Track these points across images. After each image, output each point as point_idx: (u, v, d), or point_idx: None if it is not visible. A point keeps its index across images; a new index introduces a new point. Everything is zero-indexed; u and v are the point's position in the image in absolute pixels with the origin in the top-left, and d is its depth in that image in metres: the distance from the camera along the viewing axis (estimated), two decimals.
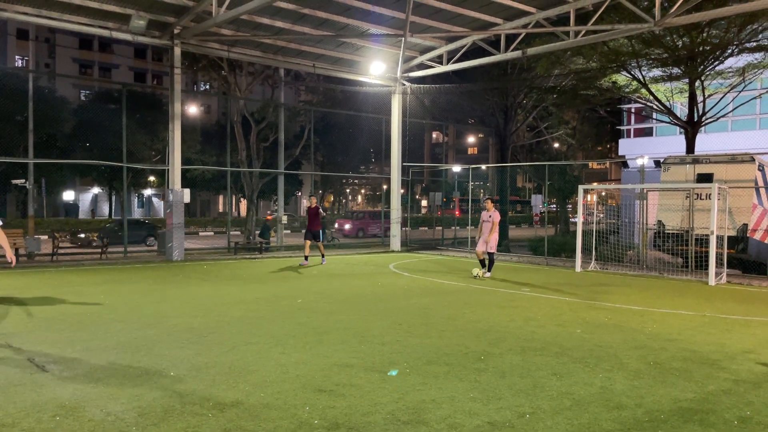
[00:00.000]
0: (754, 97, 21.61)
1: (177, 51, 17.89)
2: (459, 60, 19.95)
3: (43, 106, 34.39)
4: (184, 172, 19.33)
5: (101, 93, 49.58)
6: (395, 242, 22.87)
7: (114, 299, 10.45)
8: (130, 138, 27.64)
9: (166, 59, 34.91)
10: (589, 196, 20.41)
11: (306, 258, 17.11)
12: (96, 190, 58.34)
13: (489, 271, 14.71)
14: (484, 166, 40.76)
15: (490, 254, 14.69)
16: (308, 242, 17.09)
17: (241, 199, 53.02)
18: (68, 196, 56.42)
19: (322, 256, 17.70)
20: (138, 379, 5.72)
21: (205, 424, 4.59)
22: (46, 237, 21.93)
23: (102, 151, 36.98)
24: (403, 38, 17.43)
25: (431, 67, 21.04)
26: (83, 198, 59.76)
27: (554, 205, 39.67)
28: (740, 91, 19.53)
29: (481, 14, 17.71)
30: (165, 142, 28.11)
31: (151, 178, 54.07)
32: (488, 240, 14.46)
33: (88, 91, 59.73)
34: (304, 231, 17.77)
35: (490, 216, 14.59)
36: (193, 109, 48.27)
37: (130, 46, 64.91)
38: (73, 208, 55.55)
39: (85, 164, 35.97)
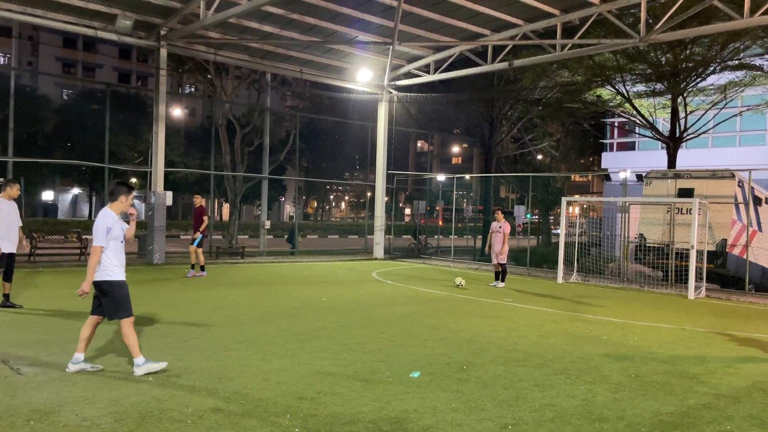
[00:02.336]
0: (735, 115, 21.97)
1: (163, 52, 17.74)
2: (446, 70, 20.03)
3: (25, 105, 33.96)
4: (166, 175, 19.16)
5: (84, 92, 49.07)
6: (378, 250, 22.83)
7: (91, 302, 10.25)
8: (113, 139, 27.39)
9: (151, 60, 34.67)
10: (571, 208, 20.54)
11: (193, 266, 14.84)
12: (76, 190, 57.61)
13: (502, 281, 14.66)
14: (468, 176, 40.96)
15: (502, 265, 14.64)
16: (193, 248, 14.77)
17: (224, 204, 52.67)
18: (48, 196, 55.64)
19: (202, 268, 14.78)
20: (115, 383, 5.61)
21: (183, 431, 4.51)
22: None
23: (84, 152, 36.56)
24: (391, 46, 17.46)
25: (418, 76, 21.11)
26: (63, 198, 58.97)
27: (537, 217, 39.94)
28: (721, 108, 19.84)
29: (468, 25, 17.81)
30: (148, 143, 27.87)
31: (133, 180, 53.55)
32: (497, 251, 14.45)
33: (71, 91, 59.10)
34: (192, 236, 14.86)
35: (500, 227, 14.55)
36: (177, 112, 47.91)
37: (115, 46, 64.37)
38: (52, 208, 54.77)
39: (66, 164, 35.54)
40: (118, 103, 38.95)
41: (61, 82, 61.01)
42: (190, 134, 51.32)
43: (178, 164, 40.03)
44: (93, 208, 53.80)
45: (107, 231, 5.80)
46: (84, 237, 18.43)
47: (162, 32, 17.38)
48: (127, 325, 5.89)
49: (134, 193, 6.18)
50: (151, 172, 17.99)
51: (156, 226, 17.54)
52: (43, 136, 41.46)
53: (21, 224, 9.51)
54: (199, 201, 15.26)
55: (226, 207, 51.77)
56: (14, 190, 9.31)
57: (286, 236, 24.61)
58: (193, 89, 52.11)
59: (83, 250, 17.78)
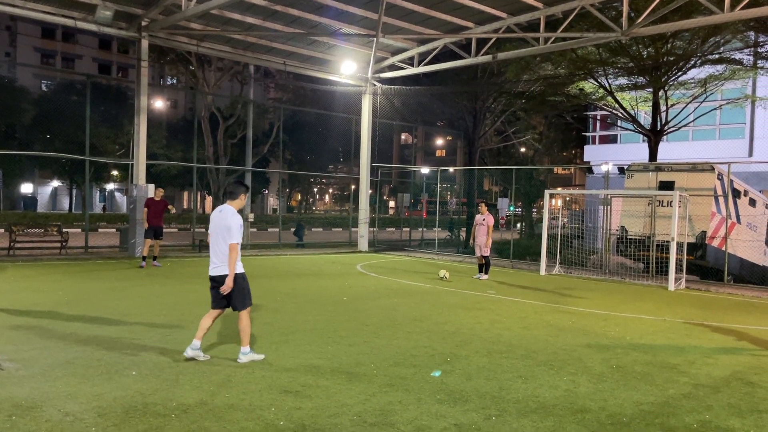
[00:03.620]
0: (715, 108, 22.23)
1: (144, 44, 17.53)
2: (430, 62, 20.02)
3: (3, 96, 33.42)
4: (148, 167, 18.97)
5: (64, 84, 48.41)
6: (363, 243, 22.83)
7: (73, 296, 10.18)
8: (94, 131, 27.05)
9: (132, 51, 34.26)
10: (554, 201, 20.69)
11: (155, 258, 15.35)
12: (56, 183, 56.88)
13: (486, 273, 14.78)
14: (452, 169, 41.06)
15: (485, 257, 14.76)
16: (149, 241, 15.14)
17: (207, 196, 52.31)
18: (27, 188, 54.88)
19: (154, 258, 15.39)
20: (98, 378, 5.57)
21: (167, 425, 4.49)
22: (2, 230, 21.26)
23: (63, 144, 36.07)
24: (375, 39, 17.41)
25: (402, 68, 21.07)
26: (42, 191, 58.20)
27: (520, 209, 40.17)
28: (701, 102, 20.06)
29: (453, 17, 17.80)
30: (130, 136, 27.58)
31: (115, 173, 52.98)
32: (481, 243, 14.54)
33: (50, 82, 58.25)
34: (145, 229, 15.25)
35: (484, 219, 14.65)
36: (159, 104, 47.47)
37: (95, 37, 63.53)
38: (31, 201, 54.05)
39: (46, 156, 35.05)
40: (99, 95, 38.46)
41: (39, 73, 60.12)
42: (172, 126, 50.87)
43: (161, 157, 39.64)
44: (73, 201, 53.14)
45: (240, 227, 6.15)
46: (64, 230, 18.22)
47: (143, 23, 17.16)
48: (246, 314, 6.25)
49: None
50: (132, 164, 17.79)
51: (138, 219, 17.38)
52: (21, 128, 40.88)
53: None
54: (159, 194, 15.75)
55: (209, 200, 51.41)
56: None
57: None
58: (175, 81, 51.57)
59: (64, 244, 17.58)
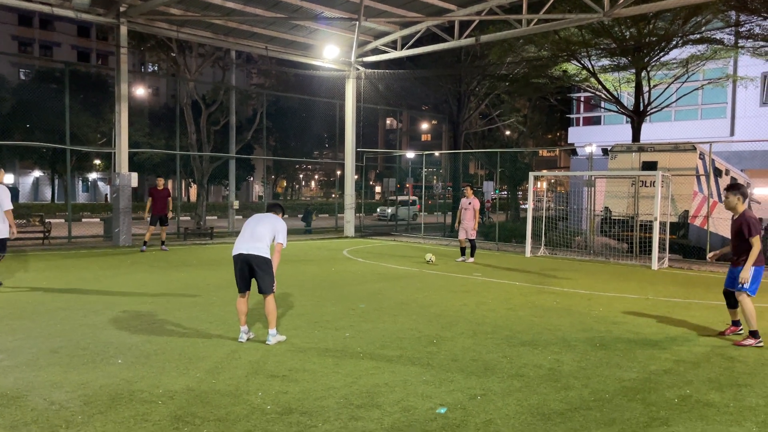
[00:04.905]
0: (696, 89, 22.35)
1: (123, 30, 17.26)
2: (413, 46, 19.93)
3: None
4: (131, 156, 18.79)
5: (42, 72, 47.53)
6: (349, 228, 22.83)
7: (58, 286, 10.11)
8: (74, 119, 26.70)
9: (111, 38, 33.74)
10: (539, 183, 20.79)
11: (163, 243, 16.23)
12: (37, 173, 56.18)
13: (472, 256, 14.83)
14: (437, 153, 41.05)
15: (471, 240, 14.81)
16: (153, 228, 15.86)
17: (192, 184, 51.93)
18: (7, 179, 54.11)
19: (162, 243, 16.32)
20: (83, 367, 5.56)
21: (154, 412, 4.50)
22: None
23: (44, 133, 35.51)
24: (357, 22, 17.29)
25: (386, 52, 20.97)
26: (23, 181, 57.46)
27: (505, 192, 40.35)
28: (683, 82, 20.17)
29: (435, 0, 17.71)
30: (111, 124, 27.22)
31: (97, 162, 52.39)
32: (468, 227, 14.59)
33: (28, 70, 57.22)
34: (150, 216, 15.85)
35: (470, 203, 14.70)
36: (140, 91, 46.89)
37: (73, 23, 62.44)
38: (12, 191, 53.34)
39: (26, 146, 34.56)
40: (79, 83, 37.93)
41: (17, 61, 58.97)
42: (154, 114, 50.24)
43: (143, 145, 39.20)
44: (55, 191, 52.54)
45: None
46: (47, 221, 18.04)
47: (121, 9, 16.89)
48: (273, 298, 6.57)
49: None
50: (114, 153, 17.61)
51: (121, 208, 17.25)
52: (0, 118, 40.19)
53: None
54: (161, 183, 16.13)
55: (193, 188, 51.06)
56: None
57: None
58: (156, 68, 50.90)
59: (46, 234, 17.42)
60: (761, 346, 6.78)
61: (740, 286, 6.88)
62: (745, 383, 5.48)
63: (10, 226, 9.52)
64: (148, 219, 16.00)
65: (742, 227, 6.94)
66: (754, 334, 6.87)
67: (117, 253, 15.41)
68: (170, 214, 16.40)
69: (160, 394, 4.88)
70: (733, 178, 17.44)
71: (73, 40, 67.45)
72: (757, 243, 6.80)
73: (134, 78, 48.71)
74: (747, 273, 6.80)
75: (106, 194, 59.59)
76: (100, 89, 43.33)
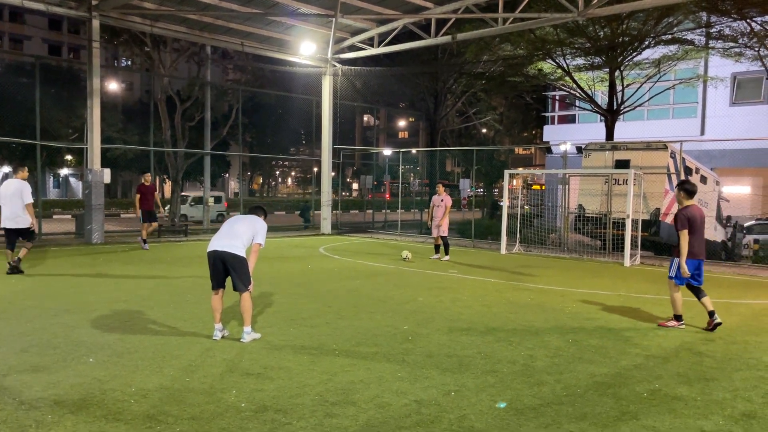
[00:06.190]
0: (668, 88, 22.70)
1: (95, 24, 16.96)
2: (390, 43, 19.93)
3: None
4: (104, 152, 18.51)
5: (12, 66, 46.52)
6: (326, 225, 22.77)
7: (28, 284, 9.94)
8: (45, 114, 26.16)
9: (83, 32, 33.16)
10: (514, 181, 20.97)
11: (145, 242, 15.77)
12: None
13: (446, 254, 14.80)
14: (414, 150, 41.15)
15: (443, 238, 14.75)
16: (147, 225, 15.65)
17: (166, 180, 51.32)
18: None
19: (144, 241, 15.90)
20: (54, 366, 5.48)
21: (126, 410, 4.46)
22: None
23: (13, 128, 34.74)
24: (333, 19, 17.23)
25: (362, 49, 20.93)
26: None
27: (481, 190, 40.60)
28: (656, 82, 20.49)
29: None
30: (83, 119, 26.77)
31: (69, 157, 51.45)
32: (440, 224, 14.58)
33: None
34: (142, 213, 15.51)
35: (441, 200, 14.67)
36: (113, 86, 46.16)
37: (43, 16, 61.22)
38: None
39: None
40: (50, 77, 37.13)
41: None
42: (128, 109, 49.49)
43: (116, 140, 38.52)
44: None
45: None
46: None
47: (94, 2, 16.60)
48: (249, 295, 6.54)
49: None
50: (87, 148, 17.33)
51: (94, 205, 16.99)
52: None
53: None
54: (148, 179, 16.12)
55: (168, 184, 50.46)
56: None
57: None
58: (129, 62, 50.19)
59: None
60: (682, 329, 7.55)
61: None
62: (713, 377, 5.60)
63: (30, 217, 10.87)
64: (140, 216, 15.62)
65: (675, 222, 7.60)
66: (678, 318, 7.70)
67: (89, 251, 15.18)
68: (160, 212, 16.39)
69: (132, 393, 4.83)
70: (703, 177, 17.77)
71: (44, 34, 66.17)
72: (682, 236, 7.41)
73: (107, 73, 47.87)
74: (672, 262, 7.66)
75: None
76: (72, 84, 42.50)
